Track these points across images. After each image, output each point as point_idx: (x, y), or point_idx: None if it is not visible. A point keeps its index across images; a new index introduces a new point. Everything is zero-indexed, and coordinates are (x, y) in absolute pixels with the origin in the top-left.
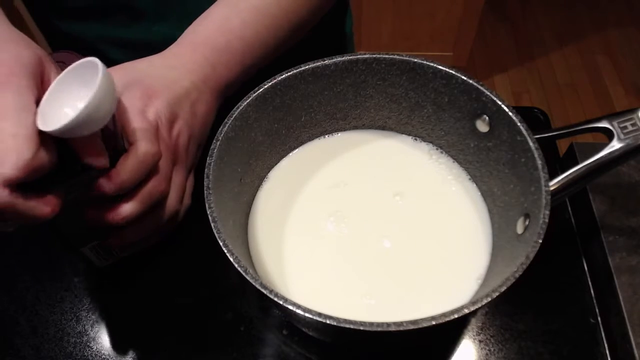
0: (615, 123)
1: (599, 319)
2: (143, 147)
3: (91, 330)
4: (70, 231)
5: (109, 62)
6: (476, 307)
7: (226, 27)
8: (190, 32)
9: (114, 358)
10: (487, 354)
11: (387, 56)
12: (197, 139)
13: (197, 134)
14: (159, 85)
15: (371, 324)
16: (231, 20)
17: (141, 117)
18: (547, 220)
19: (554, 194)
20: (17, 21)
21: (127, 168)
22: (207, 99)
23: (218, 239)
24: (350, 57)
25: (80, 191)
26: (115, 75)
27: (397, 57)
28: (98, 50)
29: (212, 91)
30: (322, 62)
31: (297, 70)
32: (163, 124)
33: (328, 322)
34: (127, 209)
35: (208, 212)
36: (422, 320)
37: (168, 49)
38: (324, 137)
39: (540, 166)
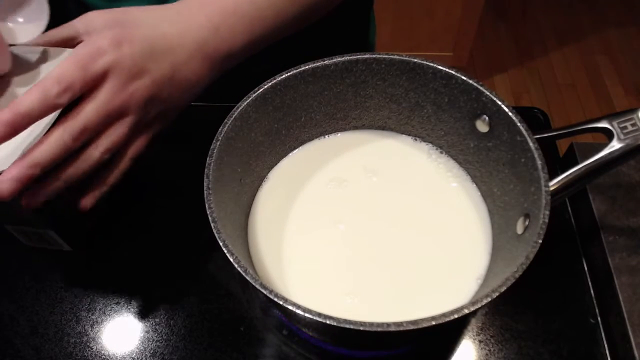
0: (615, 123)
1: (599, 319)
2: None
3: (91, 330)
4: None
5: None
6: (476, 307)
7: None
8: None
9: (114, 358)
10: (487, 354)
11: (386, 56)
12: (165, 102)
13: (165, 97)
14: (139, 34)
15: (371, 324)
16: None
17: (76, 64)
18: (547, 220)
19: (554, 194)
20: None
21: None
22: (196, 66)
23: (218, 239)
24: (350, 57)
25: None
26: (105, 15)
27: (397, 57)
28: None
29: (206, 58)
30: (322, 62)
31: (297, 70)
32: (118, 73)
33: (328, 322)
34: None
35: (208, 212)
36: (422, 320)
37: (174, 3)
38: (324, 137)
39: (540, 166)
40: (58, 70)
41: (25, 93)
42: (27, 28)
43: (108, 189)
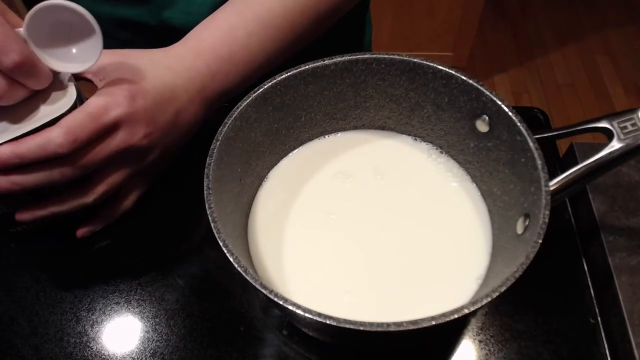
0: (615, 123)
1: (599, 319)
2: (45, 136)
3: (91, 330)
4: None
5: (116, 42)
6: (476, 307)
7: (231, 36)
8: (196, 36)
9: (114, 358)
10: (487, 354)
11: (386, 56)
12: (167, 147)
13: (168, 143)
14: (151, 86)
15: (371, 324)
16: (237, 29)
17: (89, 115)
18: (547, 220)
19: (554, 194)
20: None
21: (28, 144)
22: (195, 110)
23: (218, 239)
24: (350, 57)
25: None
26: (114, 58)
27: (397, 57)
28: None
29: (204, 102)
30: (322, 62)
31: (297, 70)
32: (130, 125)
33: (328, 322)
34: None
35: (208, 212)
36: (422, 320)
37: (172, 47)
38: (324, 137)
39: (540, 166)
40: (70, 120)
41: (32, 136)
42: (75, 63)
43: (104, 225)
